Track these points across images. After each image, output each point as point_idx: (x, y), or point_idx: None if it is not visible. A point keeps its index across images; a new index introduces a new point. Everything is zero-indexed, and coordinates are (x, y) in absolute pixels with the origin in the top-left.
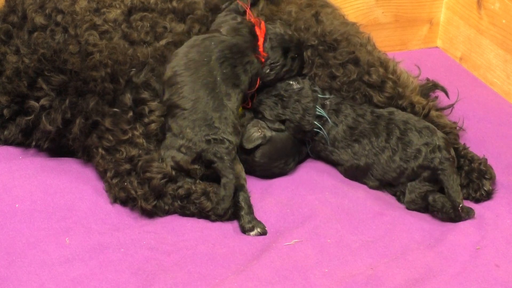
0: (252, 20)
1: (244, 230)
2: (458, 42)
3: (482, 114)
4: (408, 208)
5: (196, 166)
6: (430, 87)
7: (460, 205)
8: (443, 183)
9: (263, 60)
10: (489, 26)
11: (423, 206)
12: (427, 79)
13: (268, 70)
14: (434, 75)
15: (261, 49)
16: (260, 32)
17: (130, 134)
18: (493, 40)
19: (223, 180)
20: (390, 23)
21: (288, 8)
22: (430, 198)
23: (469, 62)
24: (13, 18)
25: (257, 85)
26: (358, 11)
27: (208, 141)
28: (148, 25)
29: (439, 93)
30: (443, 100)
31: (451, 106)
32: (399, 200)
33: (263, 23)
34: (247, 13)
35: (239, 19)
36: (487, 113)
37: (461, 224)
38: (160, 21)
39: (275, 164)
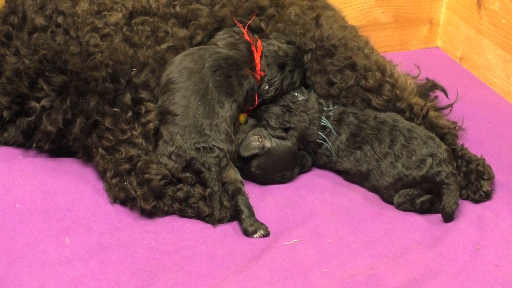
0: (248, 39)
1: (247, 233)
2: (458, 42)
3: (482, 114)
4: (397, 208)
5: (187, 174)
6: (429, 87)
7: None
8: (443, 196)
9: (258, 77)
10: (489, 26)
11: (411, 209)
12: (427, 79)
13: (267, 87)
14: (434, 75)
15: (258, 67)
16: (256, 51)
17: (129, 134)
18: (493, 40)
19: (208, 191)
20: (390, 23)
21: (289, 10)
22: (418, 202)
23: (469, 62)
24: (13, 19)
25: (256, 102)
26: (358, 11)
27: (197, 149)
28: (149, 29)
29: (439, 92)
30: (443, 100)
31: (450, 106)
32: (385, 201)
33: (259, 42)
34: (245, 34)
35: (237, 36)
36: (487, 113)
37: (461, 224)
38: (161, 25)
39: (270, 176)
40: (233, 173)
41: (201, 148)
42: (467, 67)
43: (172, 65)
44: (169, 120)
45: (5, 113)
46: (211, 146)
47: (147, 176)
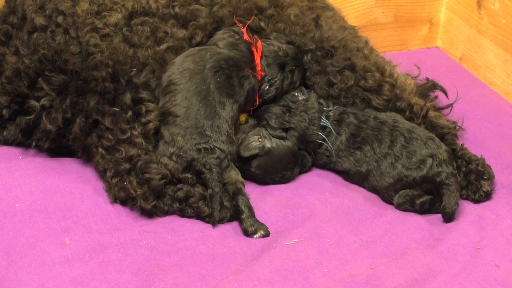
0: (249, 39)
1: (247, 234)
2: (458, 42)
3: (482, 114)
4: (397, 209)
5: (187, 175)
6: (429, 87)
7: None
8: (443, 197)
9: (259, 78)
10: (489, 26)
11: (411, 209)
12: (427, 79)
13: (267, 87)
14: (434, 75)
15: (258, 67)
16: (256, 51)
17: (129, 134)
18: (493, 40)
19: (209, 192)
20: (390, 23)
21: (288, 11)
22: (418, 202)
23: (469, 62)
24: (13, 19)
25: (257, 103)
26: (358, 11)
27: (198, 150)
28: (149, 29)
29: (439, 92)
30: (443, 100)
31: (450, 106)
32: (385, 201)
33: (259, 42)
34: (244, 33)
35: (236, 36)
36: (487, 113)
37: (461, 224)
38: (161, 26)
39: (271, 176)
40: (234, 174)
41: (202, 149)
42: (467, 67)
43: (173, 66)
44: (171, 121)
45: (4, 112)
46: (212, 147)
47: (147, 175)
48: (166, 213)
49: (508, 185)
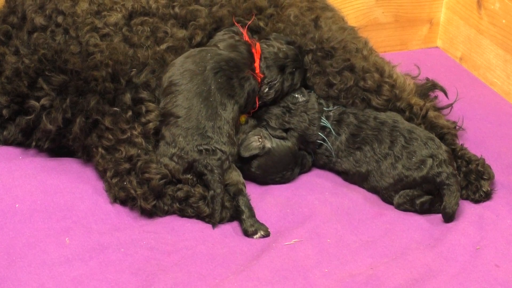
0: (248, 41)
1: (247, 234)
2: (458, 42)
3: (482, 114)
4: (397, 209)
5: (188, 176)
6: (429, 87)
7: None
8: (444, 197)
9: (259, 79)
10: (489, 26)
11: (411, 209)
12: (427, 79)
13: (267, 89)
14: (434, 75)
15: (257, 70)
16: (256, 53)
17: (129, 134)
18: (493, 40)
19: (211, 193)
20: (390, 23)
21: (288, 11)
22: (418, 203)
23: (469, 62)
24: (13, 19)
25: (257, 105)
26: (358, 11)
27: (200, 152)
28: (149, 29)
29: (439, 92)
30: (442, 100)
31: (450, 105)
32: (385, 201)
33: (258, 44)
34: (244, 35)
35: (236, 37)
36: (487, 113)
37: (461, 224)
38: (161, 26)
39: (270, 177)
40: (235, 175)
41: (203, 150)
42: (467, 67)
43: (174, 67)
44: (172, 122)
45: (4, 112)
46: (213, 148)
47: (147, 175)
48: (166, 213)
49: (508, 185)
